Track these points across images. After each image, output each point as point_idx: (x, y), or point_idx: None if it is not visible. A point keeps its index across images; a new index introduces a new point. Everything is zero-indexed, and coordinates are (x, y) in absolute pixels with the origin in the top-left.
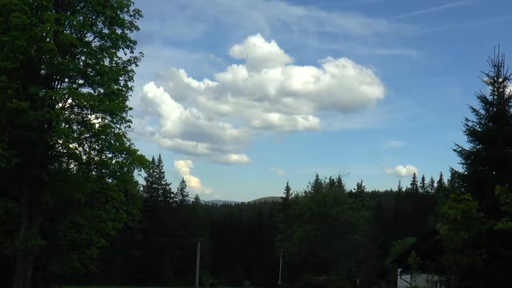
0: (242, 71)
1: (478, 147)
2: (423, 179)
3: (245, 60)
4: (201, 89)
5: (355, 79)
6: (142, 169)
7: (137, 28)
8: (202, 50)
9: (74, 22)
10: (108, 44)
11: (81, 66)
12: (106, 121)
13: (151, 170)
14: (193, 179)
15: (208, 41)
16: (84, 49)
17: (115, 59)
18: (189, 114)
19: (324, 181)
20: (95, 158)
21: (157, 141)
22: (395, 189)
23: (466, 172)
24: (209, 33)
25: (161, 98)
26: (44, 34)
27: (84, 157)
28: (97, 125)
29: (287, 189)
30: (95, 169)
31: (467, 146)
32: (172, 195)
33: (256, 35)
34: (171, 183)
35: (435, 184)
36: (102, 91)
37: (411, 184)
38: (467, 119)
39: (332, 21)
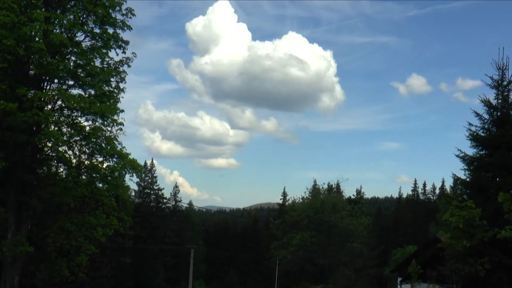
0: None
1: (481, 152)
2: (424, 185)
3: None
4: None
5: (333, 72)
6: (134, 174)
7: (129, 28)
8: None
9: (65, 21)
10: (99, 44)
11: (71, 67)
12: (97, 123)
13: (143, 175)
14: (186, 184)
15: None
16: (75, 49)
17: (107, 59)
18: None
19: (322, 187)
20: (85, 162)
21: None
22: (395, 195)
23: (468, 179)
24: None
25: None
26: (33, 33)
27: (74, 161)
28: (87, 128)
29: (284, 195)
30: (85, 173)
31: (470, 151)
32: (164, 200)
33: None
34: (163, 188)
35: (437, 191)
36: (92, 92)
37: (412, 190)
38: (470, 124)
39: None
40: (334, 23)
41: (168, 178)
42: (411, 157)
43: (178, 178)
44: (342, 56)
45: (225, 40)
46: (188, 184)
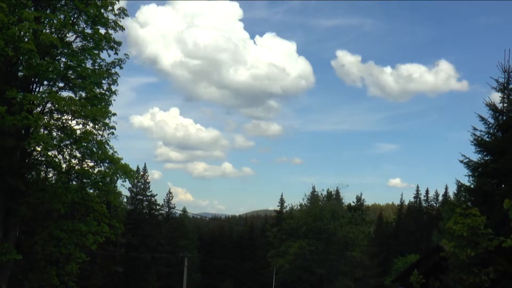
0: None
1: (486, 158)
2: (427, 192)
3: None
4: None
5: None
6: (126, 179)
7: (122, 28)
8: None
9: (55, 21)
10: (91, 45)
11: (61, 68)
12: (88, 127)
13: (136, 180)
14: (180, 190)
15: None
16: (65, 50)
17: (98, 61)
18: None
19: (321, 193)
20: (76, 167)
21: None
22: (397, 202)
23: (473, 185)
24: None
25: None
26: (22, 33)
27: (64, 166)
28: (78, 132)
29: (281, 201)
30: (75, 179)
31: (475, 157)
32: (157, 207)
33: None
34: (156, 194)
35: (440, 198)
36: (83, 95)
37: (414, 197)
38: (474, 128)
39: None
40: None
41: (161, 184)
42: (411, 160)
43: (171, 184)
44: (317, 43)
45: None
46: (182, 190)
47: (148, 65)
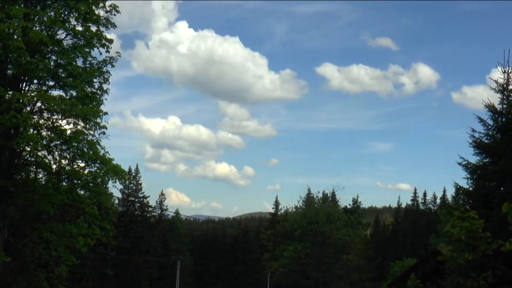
0: None
1: (485, 160)
2: (424, 194)
3: None
4: None
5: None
6: (117, 180)
7: (113, 25)
8: None
9: (45, 18)
10: (82, 43)
11: (51, 67)
12: (78, 127)
13: (127, 182)
14: (172, 192)
15: None
16: (55, 48)
17: (89, 59)
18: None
19: (317, 196)
20: (66, 168)
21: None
22: (394, 205)
23: (471, 188)
24: None
25: None
26: (11, 30)
27: (54, 166)
28: (68, 131)
29: (276, 204)
30: (65, 180)
31: (473, 159)
32: (150, 209)
33: None
34: (149, 196)
35: (438, 200)
36: (74, 94)
37: (412, 200)
38: (473, 130)
39: None
40: None
41: (152, 185)
42: (407, 160)
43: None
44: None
45: None
46: (175, 192)
47: None
